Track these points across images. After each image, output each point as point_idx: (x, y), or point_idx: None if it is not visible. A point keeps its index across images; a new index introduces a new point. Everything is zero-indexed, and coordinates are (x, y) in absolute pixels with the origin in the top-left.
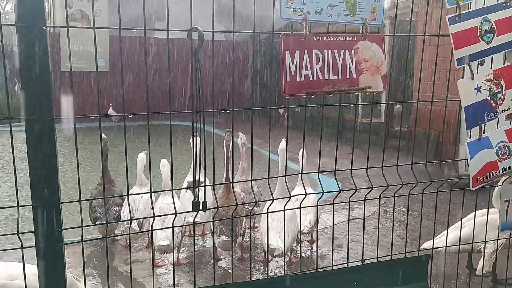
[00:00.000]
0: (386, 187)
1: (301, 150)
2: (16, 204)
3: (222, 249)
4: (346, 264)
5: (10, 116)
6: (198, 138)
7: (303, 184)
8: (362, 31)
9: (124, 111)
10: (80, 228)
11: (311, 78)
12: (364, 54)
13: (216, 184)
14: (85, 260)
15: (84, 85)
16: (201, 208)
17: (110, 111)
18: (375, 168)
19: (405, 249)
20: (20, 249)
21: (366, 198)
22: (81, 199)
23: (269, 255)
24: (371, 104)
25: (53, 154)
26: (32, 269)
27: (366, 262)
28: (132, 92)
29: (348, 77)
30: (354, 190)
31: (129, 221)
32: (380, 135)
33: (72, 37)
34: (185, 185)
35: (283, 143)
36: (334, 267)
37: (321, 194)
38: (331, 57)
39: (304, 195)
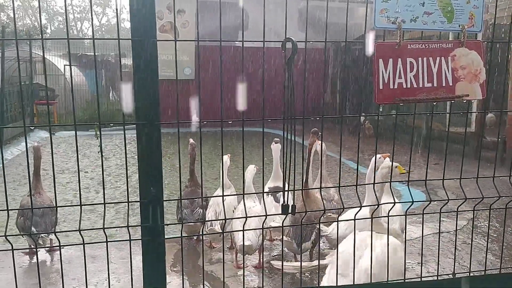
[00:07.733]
0: (481, 199)
1: (383, 159)
2: (126, 200)
3: (287, 249)
4: (436, 277)
5: (100, 121)
6: (279, 145)
7: (392, 193)
8: (459, 38)
9: (200, 119)
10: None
11: (404, 86)
12: (461, 61)
13: (304, 189)
14: (171, 257)
15: (173, 92)
16: (290, 211)
17: (195, 117)
18: (464, 180)
19: (500, 264)
20: (128, 241)
21: (459, 210)
22: (181, 198)
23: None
24: (466, 112)
25: (159, 155)
26: None
27: (457, 275)
28: (218, 99)
29: (443, 84)
30: (446, 201)
31: (212, 222)
32: (470, 145)
33: (162, 48)
34: (266, 190)
35: (377, 156)
36: (422, 279)
37: (410, 203)
38: (425, 64)
39: (393, 204)
